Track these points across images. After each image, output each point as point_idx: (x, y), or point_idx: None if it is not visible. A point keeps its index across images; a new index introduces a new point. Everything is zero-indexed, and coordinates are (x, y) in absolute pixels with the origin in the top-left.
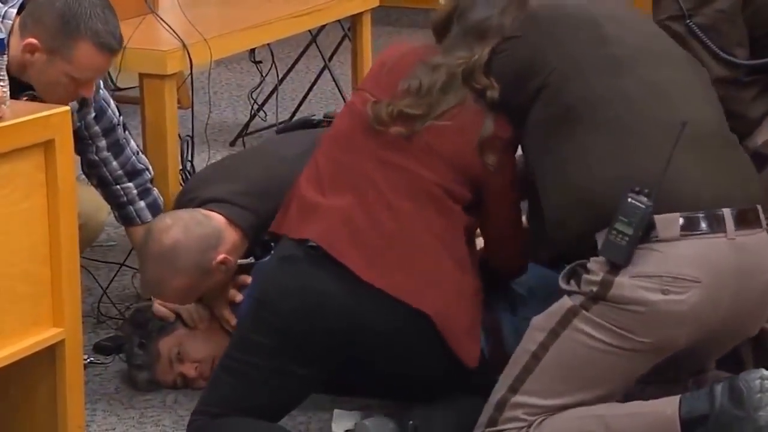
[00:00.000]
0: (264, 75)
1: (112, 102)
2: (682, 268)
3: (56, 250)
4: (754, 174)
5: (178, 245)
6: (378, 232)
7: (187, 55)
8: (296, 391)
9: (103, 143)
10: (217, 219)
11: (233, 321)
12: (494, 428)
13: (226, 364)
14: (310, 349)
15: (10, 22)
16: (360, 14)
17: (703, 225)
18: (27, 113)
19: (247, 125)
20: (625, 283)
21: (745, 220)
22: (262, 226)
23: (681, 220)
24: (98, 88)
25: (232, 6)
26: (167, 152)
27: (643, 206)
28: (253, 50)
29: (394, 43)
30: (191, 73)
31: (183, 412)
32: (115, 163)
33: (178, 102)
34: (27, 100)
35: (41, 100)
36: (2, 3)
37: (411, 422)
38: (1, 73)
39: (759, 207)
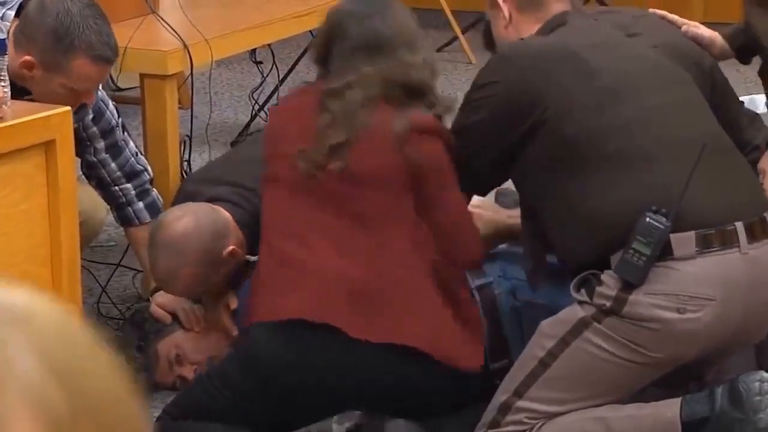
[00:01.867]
0: (265, 75)
1: (110, 103)
2: (698, 286)
3: (57, 251)
4: (758, 182)
5: (190, 233)
6: (350, 284)
7: (187, 56)
8: (266, 424)
9: (101, 144)
10: (225, 213)
11: (234, 331)
12: (496, 430)
13: (204, 383)
14: (301, 408)
15: (9, 23)
16: None
17: (718, 241)
18: (28, 113)
19: (248, 125)
20: (640, 301)
21: (756, 232)
22: (258, 225)
23: (696, 238)
24: (96, 89)
25: (233, 6)
26: (168, 152)
27: (662, 226)
28: (254, 50)
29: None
30: (191, 74)
31: None
32: (113, 165)
33: (179, 102)
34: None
35: None
36: (1, 5)
37: None
38: (2, 74)
39: (766, 216)
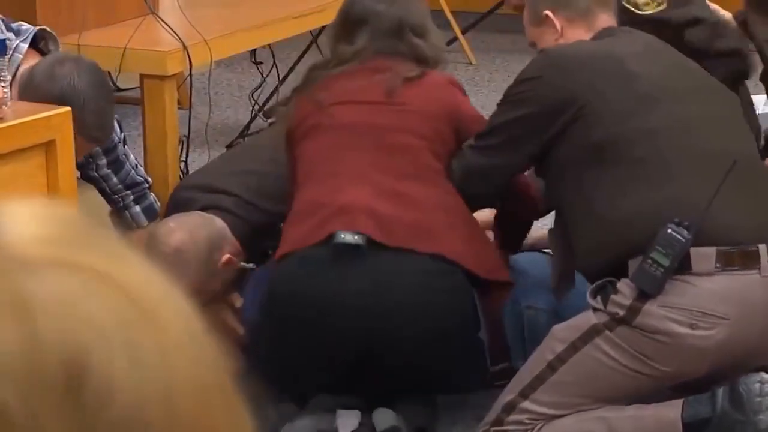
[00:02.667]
0: (265, 76)
1: (115, 121)
2: (713, 304)
3: None
4: None
5: (184, 247)
6: (378, 217)
7: (187, 56)
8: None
9: (103, 161)
10: (220, 222)
11: (240, 330)
12: (499, 428)
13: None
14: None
15: (20, 56)
16: None
17: (738, 261)
18: (28, 114)
19: (248, 126)
20: (653, 312)
21: None
22: (254, 235)
23: (716, 255)
24: None
25: (233, 7)
26: (167, 153)
27: (683, 239)
28: (253, 51)
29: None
30: (190, 74)
31: None
32: (115, 179)
33: (179, 102)
34: None
35: None
36: (15, 35)
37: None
38: (3, 74)
39: None
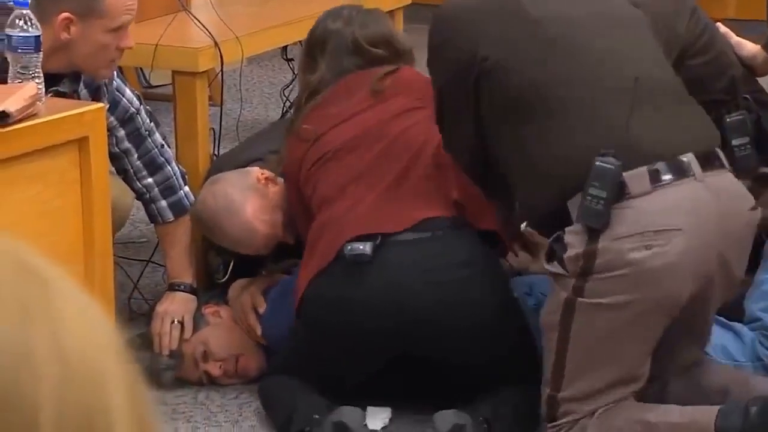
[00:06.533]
0: (296, 72)
1: (127, 91)
2: (660, 218)
3: (89, 247)
4: (710, 122)
5: (223, 186)
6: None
7: (218, 53)
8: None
9: (121, 133)
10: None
11: (259, 331)
12: (555, 423)
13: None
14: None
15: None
16: (391, 11)
17: (670, 173)
18: (62, 110)
19: None
20: (608, 248)
21: (709, 162)
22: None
23: (649, 173)
24: (112, 79)
25: (264, 3)
26: (198, 149)
27: (612, 167)
28: (285, 47)
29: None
30: (221, 71)
31: (215, 408)
32: (135, 155)
33: (210, 99)
34: (52, 96)
35: (68, 96)
36: None
37: (481, 418)
38: (37, 71)
39: (719, 150)
